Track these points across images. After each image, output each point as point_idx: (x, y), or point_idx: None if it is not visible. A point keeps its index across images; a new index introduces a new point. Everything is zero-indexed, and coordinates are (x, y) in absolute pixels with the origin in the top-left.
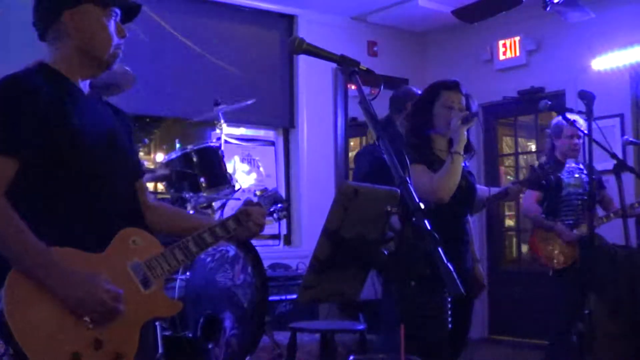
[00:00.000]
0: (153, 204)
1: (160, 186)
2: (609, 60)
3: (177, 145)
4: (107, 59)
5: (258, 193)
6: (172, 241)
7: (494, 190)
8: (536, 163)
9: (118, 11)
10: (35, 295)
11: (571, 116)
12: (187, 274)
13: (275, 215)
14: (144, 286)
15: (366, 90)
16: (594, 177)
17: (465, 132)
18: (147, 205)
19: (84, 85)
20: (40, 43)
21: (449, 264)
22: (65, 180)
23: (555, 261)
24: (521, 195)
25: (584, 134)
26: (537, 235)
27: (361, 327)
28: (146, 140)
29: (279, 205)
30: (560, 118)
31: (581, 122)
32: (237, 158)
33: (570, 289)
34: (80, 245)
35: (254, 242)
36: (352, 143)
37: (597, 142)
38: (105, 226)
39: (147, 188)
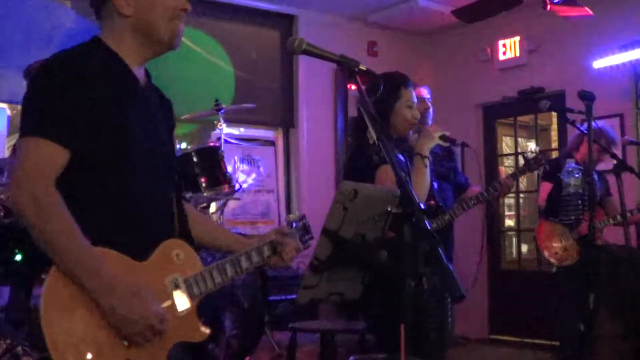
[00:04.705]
0: (188, 209)
1: None
2: (609, 60)
3: (181, 146)
4: (166, 38)
5: (292, 218)
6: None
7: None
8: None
9: None
10: (76, 299)
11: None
12: None
13: (301, 244)
14: (180, 306)
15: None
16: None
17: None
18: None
19: (140, 72)
20: (40, 44)
21: (449, 265)
22: (113, 178)
23: (558, 257)
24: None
25: (584, 133)
26: (543, 229)
27: (361, 327)
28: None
29: (307, 235)
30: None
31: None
32: (237, 158)
33: (577, 287)
34: (124, 248)
35: None
36: None
37: (597, 143)
38: (151, 231)
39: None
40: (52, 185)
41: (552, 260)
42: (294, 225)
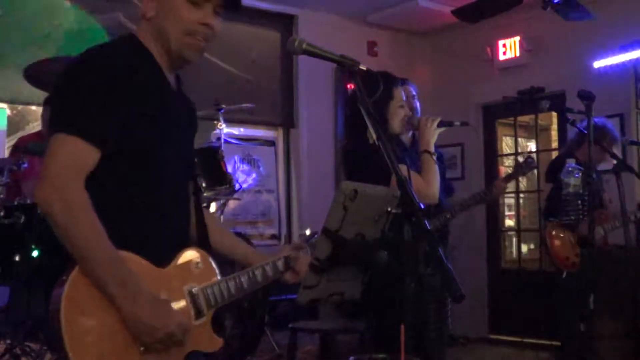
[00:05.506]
0: (207, 216)
1: None
2: (610, 60)
3: None
4: (176, 49)
5: (306, 234)
6: None
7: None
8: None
9: None
10: (95, 301)
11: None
12: None
13: None
14: (196, 316)
15: None
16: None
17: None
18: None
19: (171, 76)
20: (40, 44)
21: (449, 265)
22: (140, 180)
23: (570, 263)
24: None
25: (584, 133)
26: (553, 233)
27: (361, 327)
28: None
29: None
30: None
31: None
32: (237, 158)
33: (577, 288)
34: (147, 253)
35: (254, 241)
36: None
37: (599, 144)
38: (173, 235)
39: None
40: (82, 185)
41: (564, 267)
42: (307, 242)
